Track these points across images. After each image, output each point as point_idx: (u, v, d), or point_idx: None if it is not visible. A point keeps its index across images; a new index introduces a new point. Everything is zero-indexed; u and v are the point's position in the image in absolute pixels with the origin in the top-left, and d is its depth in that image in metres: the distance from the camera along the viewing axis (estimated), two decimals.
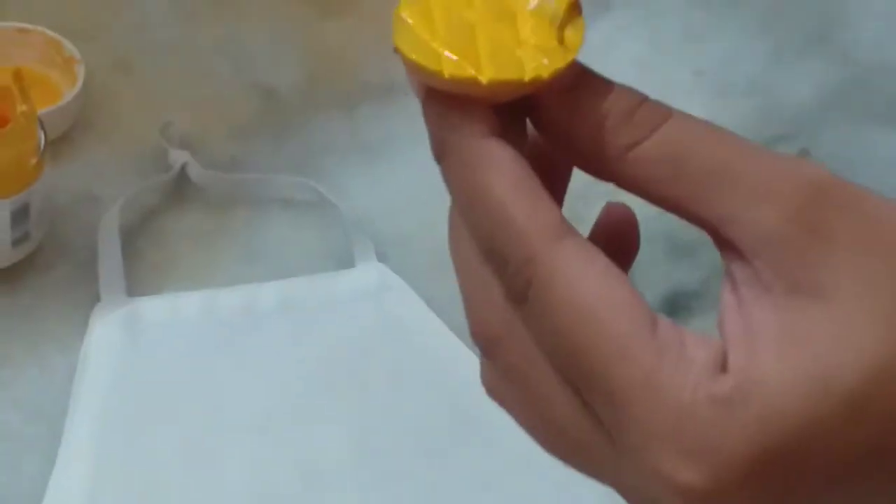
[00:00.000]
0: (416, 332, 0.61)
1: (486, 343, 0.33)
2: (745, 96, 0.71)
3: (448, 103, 0.34)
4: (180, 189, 0.64)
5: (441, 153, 0.34)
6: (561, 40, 0.36)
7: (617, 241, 0.35)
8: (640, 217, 0.36)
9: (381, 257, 0.63)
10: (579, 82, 0.34)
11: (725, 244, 0.33)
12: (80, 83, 0.64)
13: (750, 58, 0.72)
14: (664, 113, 0.34)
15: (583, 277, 0.31)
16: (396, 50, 0.35)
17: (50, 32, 0.66)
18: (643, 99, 0.34)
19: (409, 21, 0.35)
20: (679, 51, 0.72)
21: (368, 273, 0.62)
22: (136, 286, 0.61)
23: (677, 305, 0.63)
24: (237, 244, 0.63)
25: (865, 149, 0.69)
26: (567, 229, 0.32)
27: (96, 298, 0.60)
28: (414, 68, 0.35)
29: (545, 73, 0.34)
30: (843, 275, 0.31)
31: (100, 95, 0.67)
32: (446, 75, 0.34)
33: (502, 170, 0.33)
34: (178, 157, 0.64)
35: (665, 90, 0.71)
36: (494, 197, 0.32)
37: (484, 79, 0.34)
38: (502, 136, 0.34)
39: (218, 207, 0.64)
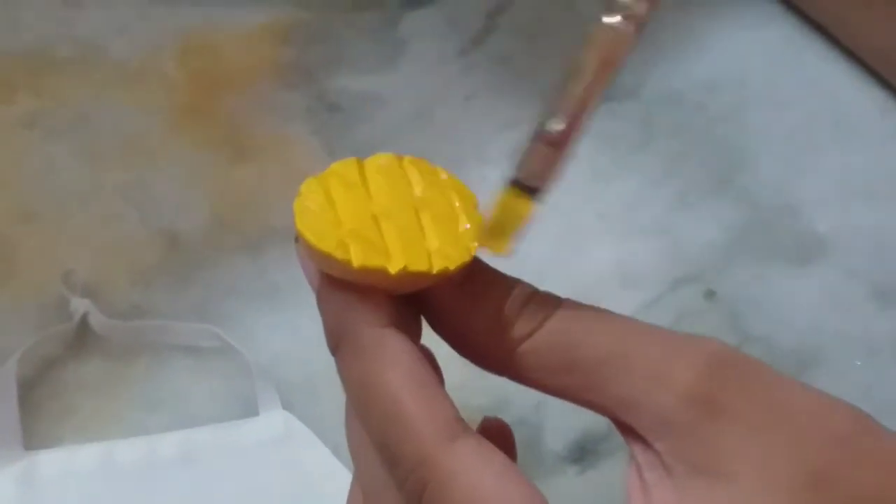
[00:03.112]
0: (322, 481, 0.59)
1: None
2: (650, 238, 0.72)
3: (346, 292, 0.33)
4: (81, 338, 0.63)
5: (336, 344, 0.34)
6: (461, 232, 0.35)
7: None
8: None
9: (287, 405, 0.62)
10: (471, 275, 0.34)
11: (626, 429, 0.32)
12: None
13: (655, 200, 0.73)
14: (554, 303, 0.34)
15: (481, 479, 0.30)
16: (299, 237, 0.35)
17: None
18: (534, 291, 0.34)
19: (312, 209, 0.35)
20: (584, 193, 0.73)
21: (273, 421, 0.61)
22: (33, 439, 0.59)
23: (586, 450, 0.63)
24: (138, 393, 0.62)
25: (772, 289, 0.70)
26: (463, 427, 0.31)
27: None
28: (318, 257, 0.34)
29: (451, 266, 0.34)
30: (742, 452, 0.31)
31: (0, 245, 0.66)
32: (355, 264, 0.33)
33: (397, 363, 0.32)
34: (80, 305, 0.62)
35: (571, 231, 0.72)
36: (388, 391, 0.32)
37: (393, 269, 0.34)
38: (399, 327, 0.33)
39: (119, 356, 0.63)
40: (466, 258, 0.35)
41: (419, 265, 0.34)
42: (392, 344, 0.33)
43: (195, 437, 0.60)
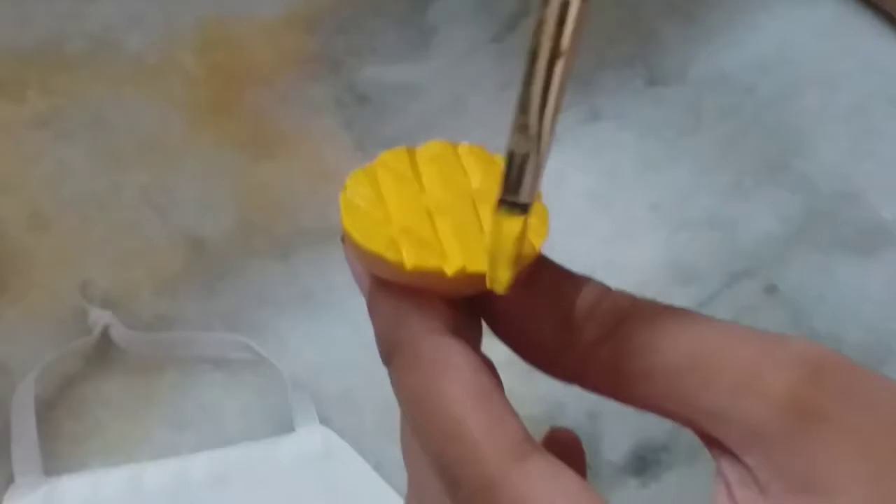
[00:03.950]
0: (364, 500, 0.56)
1: None
2: (705, 230, 0.68)
3: (400, 297, 0.30)
4: (102, 352, 0.59)
5: (390, 353, 0.30)
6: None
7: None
8: None
9: (324, 419, 0.58)
10: (535, 273, 0.31)
11: (711, 441, 0.29)
12: None
13: (708, 190, 0.69)
14: (628, 303, 0.30)
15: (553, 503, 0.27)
16: (346, 237, 0.31)
17: None
18: (605, 290, 0.31)
19: (361, 204, 0.31)
20: (634, 184, 0.69)
21: (310, 437, 0.57)
22: (54, 463, 0.56)
23: (647, 460, 0.59)
24: (165, 411, 0.58)
25: (834, 280, 0.66)
26: (532, 446, 0.28)
27: (10, 479, 0.54)
28: (367, 258, 0.31)
29: None
30: (847, 466, 0.28)
31: (14, 254, 0.62)
32: (408, 266, 0.30)
33: (458, 375, 0.29)
34: (100, 317, 0.59)
35: (622, 225, 0.68)
36: (449, 407, 0.28)
37: (450, 270, 0.30)
38: (458, 334, 0.30)
39: (144, 371, 0.59)
40: (532, 254, 0.31)
41: (479, 265, 0.31)
42: (452, 353, 0.29)
43: (228, 457, 0.56)
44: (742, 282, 0.66)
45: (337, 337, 0.61)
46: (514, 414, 0.29)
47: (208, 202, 0.66)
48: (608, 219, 0.67)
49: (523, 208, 0.29)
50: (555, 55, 0.27)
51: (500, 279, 0.30)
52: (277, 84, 0.72)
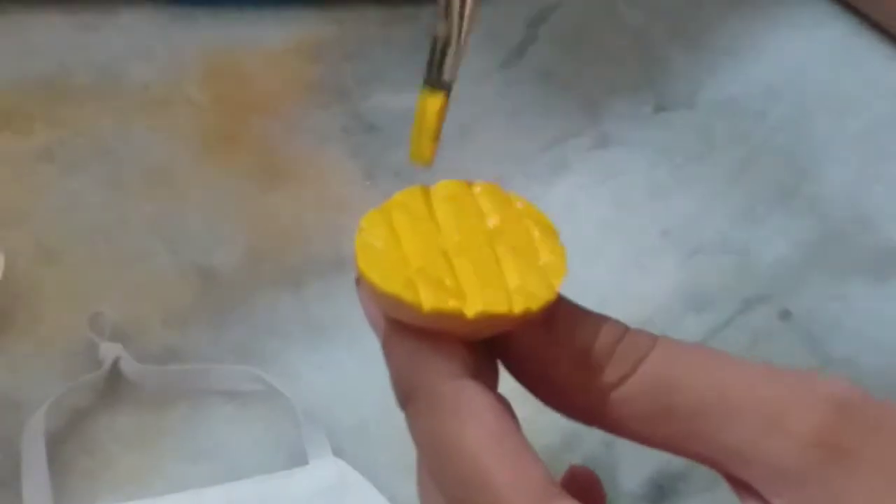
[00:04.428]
0: None
1: None
2: (717, 255, 0.67)
3: (417, 340, 0.30)
4: (113, 386, 0.58)
5: (406, 398, 0.30)
6: (542, 266, 0.32)
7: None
8: None
9: (338, 451, 0.57)
10: (554, 313, 0.30)
11: (737, 482, 0.29)
12: None
13: (720, 215, 0.69)
14: (648, 343, 0.30)
15: None
16: (361, 278, 0.31)
17: None
18: (624, 330, 0.30)
19: (376, 246, 0.31)
20: (645, 210, 0.68)
21: (324, 470, 0.56)
22: (65, 499, 0.55)
23: (664, 489, 0.58)
24: (177, 444, 0.57)
25: (852, 306, 0.65)
26: (556, 490, 0.28)
27: None
28: (384, 300, 0.30)
29: (535, 306, 0.30)
30: (880, 501, 0.27)
31: (22, 287, 0.61)
32: (426, 308, 0.29)
33: (478, 419, 0.28)
34: (110, 350, 0.58)
35: (633, 252, 0.68)
36: (469, 453, 0.28)
37: (470, 312, 0.29)
38: (477, 377, 0.29)
39: (155, 404, 0.58)
40: (551, 296, 0.31)
41: (499, 307, 0.30)
42: (471, 397, 0.29)
43: (241, 491, 0.56)
44: (756, 308, 0.65)
45: (349, 367, 0.60)
46: (537, 457, 0.28)
47: (217, 233, 0.65)
48: (619, 246, 0.67)
49: (444, 86, 0.34)
50: None
51: (424, 153, 0.32)
52: (284, 113, 0.71)
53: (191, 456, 0.57)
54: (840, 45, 0.78)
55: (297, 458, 0.57)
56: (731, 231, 0.68)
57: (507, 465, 0.28)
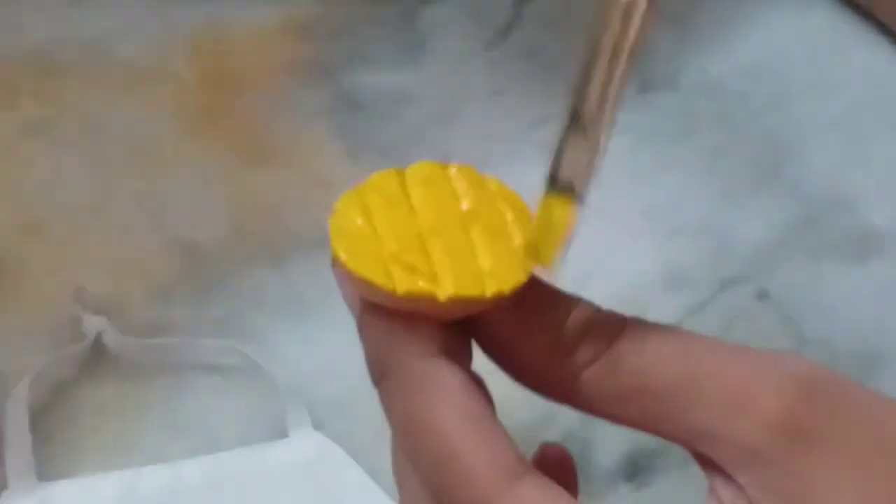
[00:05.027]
0: None
1: None
2: (696, 237, 0.68)
3: (391, 320, 0.30)
4: (96, 358, 0.59)
5: (380, 376, 0.30)
6: (515, 249, 0.32)
7: (557, 481, 0.32)
8: None
9: (318, 424, 0.58)
10: (527, 294, 0.31)
11: (704, 460, 0.29)
12: None
13: (700, 196, 0.69)
14: (618, 324, 0.31)
15: None
16: (336, 261, 0.31)
17: None
18: (596, 311, 0.31)
19: (350, 228, 0.31)
20: (626, 191, 0.69)
21: (304, 443, 0.57)
22: (48, 469, 0.55)
23: (639, 465, 0.59)
24: (159, 416, 0.58)
25: (828, 287, 0.66)
26: (524, 467, 0.28)
27: (4, 485, 0.54)
28: (358, 283, 0.30)
29: (507, 289, 0.31)
30: (838, 485, 0.28)
31: (7, 261, 0.62)
32: (399, 291, 0.30)
33: (449, 397, 0.29)
34: (93, 324, 0.59)
35: (614, 232, 0.68)
36: (440, 430, 0.28)
37: (442, 296, 0.30)
38: (449, 356, 0.30)
39: (137, 377, 0.59)
40: (522, 279, 0.31)
41: (471, 290, 0.31)
42: (443, 376, 0.29)
43: (221, 463, 0.56)
44: (734, 288, 0.66)
45: (330, 343, 0.61)
46: (507, 435, 0.29)
47: (201, 209, 0.66)
48: (600, 225, 0.67)
49: (574, 194, 0.31)
50: (626, 43, 0.28)
51: (546, 259, 0.30)
52: (270, 91, 0.72)
53: (172, 428, 0.58)
54: (824, 28, 0.79)
55: (278, 431, 0.58)
56: (711, 212, 0.69)
57: (477, 440, 0.28)
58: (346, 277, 0.31)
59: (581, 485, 0.59)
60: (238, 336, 0.60)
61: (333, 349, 0.61)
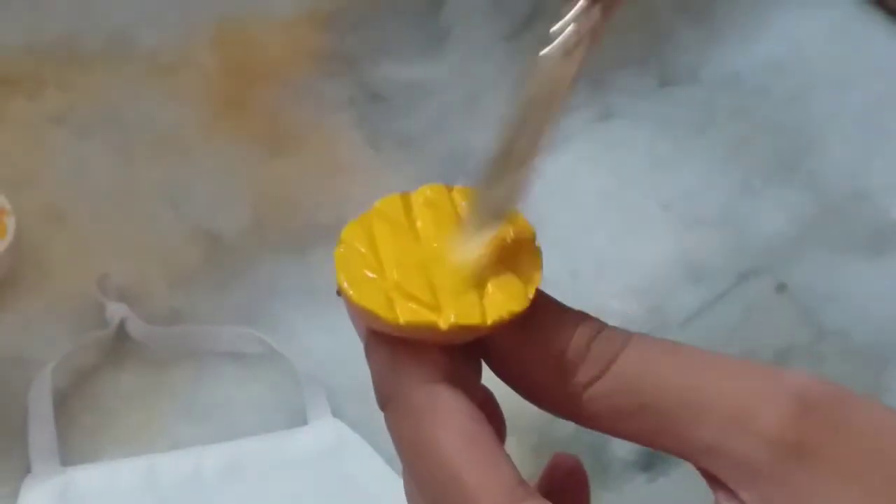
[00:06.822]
0: (376, 493, 0.56)
1: None
2: (715, 229, 0.68)
3: (395, 347, 0.31)
4: (118, 346, 0.60)
5: (385, 401, 0.31)
6: (517, 272, 0.33)
7: (568, 493, 0.33)
8: None
9: (337, 412, 0.58)
10: (532, 312, 0.31)
11: (708, 475, 0.30)
12: (10, 236, 0.60)
13: (720, 189, 0.69)
14: (622, 340, 0.31)
15: None
16: (341, 292, 0.32)
17: None
18: (599, 328, 0.31)
19: (354, 258, 0.32)
20: (646, 182, 0.69)
21: (323, 430, 0.58)
22: (70, 454, 0.56)
23: (655, 455, 0.59)
24: (180, 403, 0.59)
25: (847, 280, 0.66)
26: (524, 492, 0.29)
27: (27, 469, 0.55)
28: (362, 312, 0.31)
29: (507, 316, 0.31)
30: (839, 498, 0.28)
31: (31, 248, 0.62)
32: (401, 322, 0.30)
33: (450, 423, 0.29)
34: (116, 311, 0.59)
35: (633, 223, 0.69)
36: (442, 455, 0.29)
37: (444, 324, 0.31)
38: (453, 381, 0.30)
39: (159, 364, 0.60)
40: (524, 305, 0.32)
41: (472, 318, 0.31)
42: (445, 402, 0.30)
43: (241, 449, 0.57)
44: (752, 280, 0.66)
45: (350, 331, 0.61)
46: (508, 459, 0.29)
47: (223, 198, 0.66)
48: (619, 217, 0.68)
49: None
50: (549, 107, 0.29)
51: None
52: (292, 81, 0.72)
53: (193, 415, 0.59)
54: (844, 22, 0.79)
55: (297, 419, 0.58)
56: (731, 204, 0.69)
57: (478, 467, 0.29)
58: (352, 307, 0.32)
59: (597, 475, 0.59)
60: (258, 324, 0.61)
61: (353, 337, 0.61)
